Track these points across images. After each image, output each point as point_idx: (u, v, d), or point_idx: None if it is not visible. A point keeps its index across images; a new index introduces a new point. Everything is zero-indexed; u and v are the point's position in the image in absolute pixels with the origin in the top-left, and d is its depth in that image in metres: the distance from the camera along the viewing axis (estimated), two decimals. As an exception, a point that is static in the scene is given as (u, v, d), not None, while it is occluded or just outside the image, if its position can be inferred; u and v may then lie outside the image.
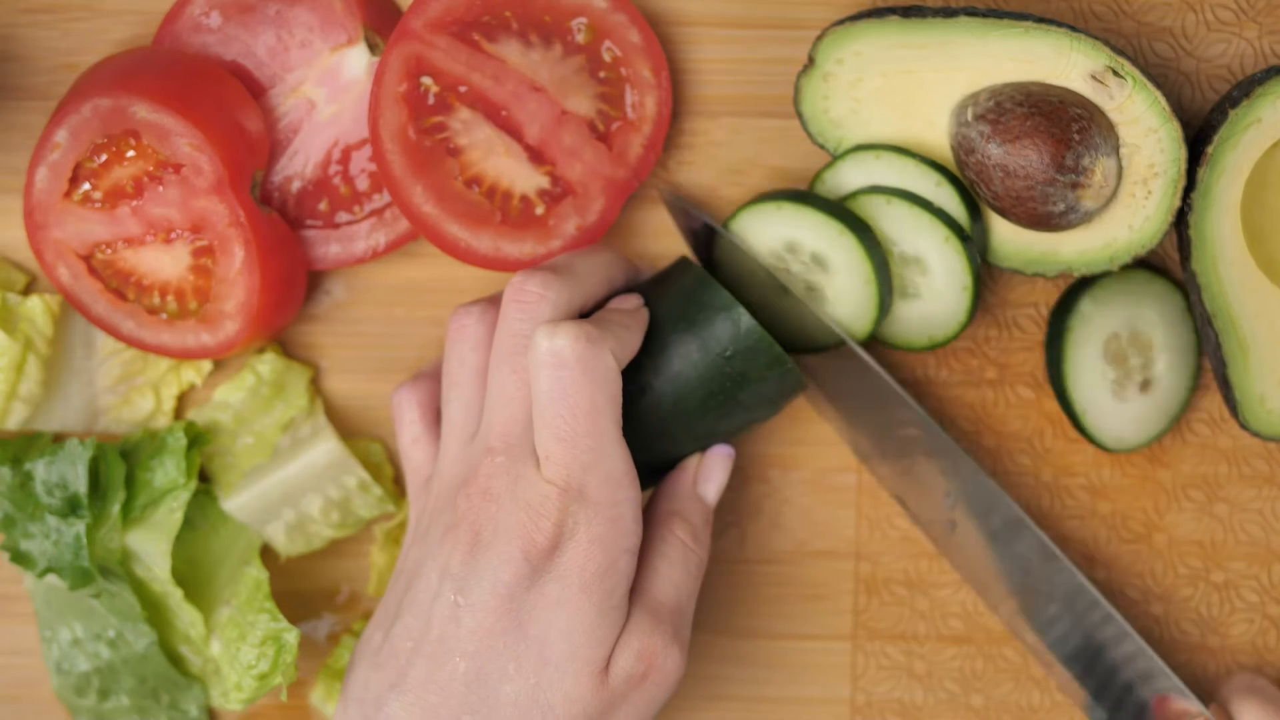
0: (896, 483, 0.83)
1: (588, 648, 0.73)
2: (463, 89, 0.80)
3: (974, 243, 0.79)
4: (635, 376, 0.78)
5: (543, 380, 0.73)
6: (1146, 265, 0.83)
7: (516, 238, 0.81)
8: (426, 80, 0.80)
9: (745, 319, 0.76)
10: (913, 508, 0.83)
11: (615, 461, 0.74)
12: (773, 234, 0.79)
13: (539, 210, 0.81)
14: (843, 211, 0.78)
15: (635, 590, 0.76)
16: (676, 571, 0.77)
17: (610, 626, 0.74)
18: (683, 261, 0.79)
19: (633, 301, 0.79)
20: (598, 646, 0.74)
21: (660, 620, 0.75)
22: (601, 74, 0.81)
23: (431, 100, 0.80)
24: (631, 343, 0.76)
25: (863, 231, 0.78)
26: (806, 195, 0.79)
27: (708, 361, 0.77)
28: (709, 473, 0.80)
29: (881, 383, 0.79)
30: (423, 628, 0.74)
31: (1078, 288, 0.82)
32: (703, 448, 0.80)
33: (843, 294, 0.79)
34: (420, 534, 0.77)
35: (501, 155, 0.81)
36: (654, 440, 0.79)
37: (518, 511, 0.73)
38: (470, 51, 0.80)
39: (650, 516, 0.78)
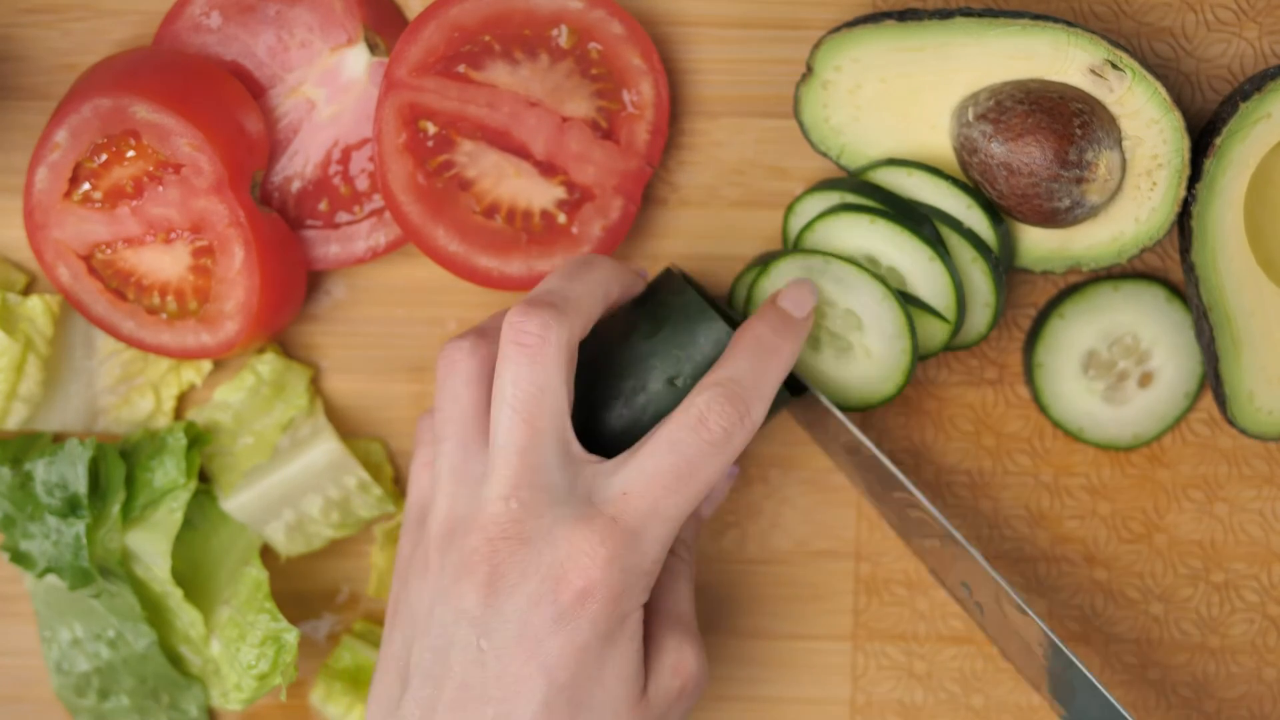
0: (891, 517, 0.83)
1: (623, 687, 0.71)
2: (461, 123, 0.80)
3: (1001, 262, 0.79)
4: (673, 365, 0.77)
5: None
6: (1105, 277, 0.83)
7: (546, 254, 0.81)
8: (425, 124, 0.80)
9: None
10: (908, 540, 0.83)
11: (682, 501, 0.72)
12: (854, 244, 0.79)
13: (561, 220, 0.81)
14: (935, 240, 0.78)
15: (654, 607, 0.76)
16: (681, 584, 0.77)
17: (636, 661, 0.72)
18: (670, 272, 0.79)
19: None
20: (632, 683, 0.72)
21: (685, 631, 0.75)
22: (593, 72, 0.81)
23: (432, 142, 0.80)
24: (597, 305, 0.75)
25: (953, 267, 0.78)
26: (897, 213, 0.78)
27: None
28: (714, 492, 0.80)
29: (879, 466, 0.79)
30: (442, 674, 0.71)
31: (1036, 328, 0.82)
32: None
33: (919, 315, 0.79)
34: (419, 570, 0.73)
35: (513, 177, 0.81)
36: None
37: (550, 551, 0.70)
38: (460, 85, 0.80)
39: None
